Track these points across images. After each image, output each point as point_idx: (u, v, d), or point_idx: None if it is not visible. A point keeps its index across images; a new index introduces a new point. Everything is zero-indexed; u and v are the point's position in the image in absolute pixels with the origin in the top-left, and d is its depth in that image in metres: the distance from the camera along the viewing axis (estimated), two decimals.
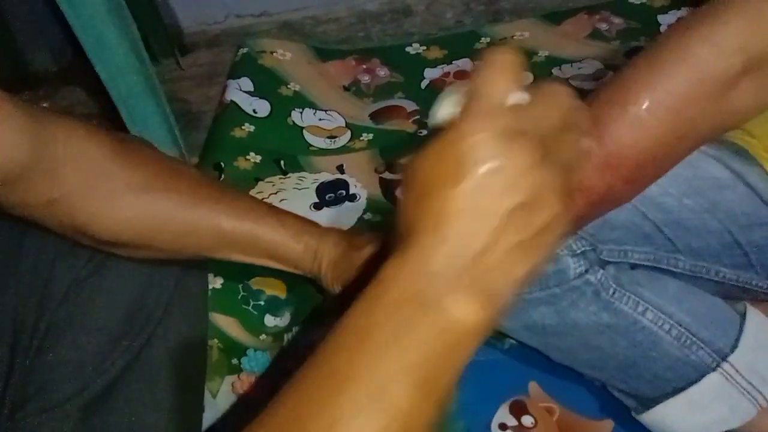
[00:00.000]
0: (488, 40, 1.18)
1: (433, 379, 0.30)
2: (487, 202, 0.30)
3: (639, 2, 1.21)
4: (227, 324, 0.78)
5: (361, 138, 1.01)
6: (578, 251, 0.58)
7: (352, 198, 0.92)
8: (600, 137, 0.45)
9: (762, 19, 0.41)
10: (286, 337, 0.78)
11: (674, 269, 0.62)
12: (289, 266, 0.58)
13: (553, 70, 1.10)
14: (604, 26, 1.18)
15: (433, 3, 1.30)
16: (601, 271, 0.60)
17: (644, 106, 0.43)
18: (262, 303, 0.80)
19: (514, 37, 1.17)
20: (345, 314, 0.32)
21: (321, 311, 0.77)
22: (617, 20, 1.19)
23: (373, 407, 0.29)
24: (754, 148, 0.61)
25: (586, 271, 0.59)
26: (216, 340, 0.75)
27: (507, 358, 0.72)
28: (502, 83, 0.32)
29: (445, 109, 0.34)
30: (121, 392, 0.58)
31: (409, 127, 1.03)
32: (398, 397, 0.29)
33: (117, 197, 0.50)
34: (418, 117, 1.04)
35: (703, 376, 0.59)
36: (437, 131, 0.33)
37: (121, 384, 0.58)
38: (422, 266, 0.31)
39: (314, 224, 0.59)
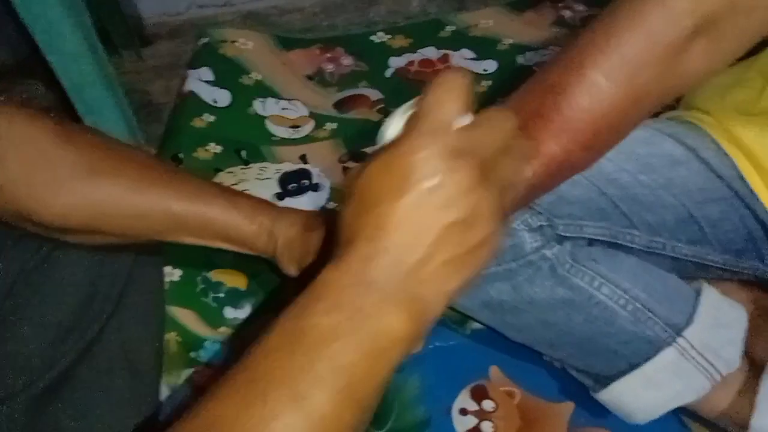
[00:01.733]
0: (453, 28, 1.17)
1: (358, 386, 0.31)
2: (425, 218, 0.32)
3: None
4: (186, 317, 0.76)
5: (324, 127, 1.00)
6: (535, 226, 0.58)
7: (316, 187, 0.91)
8: (558, 103, 0.45)
9: None
10: None
11: (631, 245, 0.62)
12: (244, 247, 0.57)
13: (518, 58, 1.10)
14: (568, 14, 1.19)
15: None
16: (558, 246, 0.59)
17: (600, 71, 0.43)
18: (222, 295, 0.79)
19: (479, 25, 1.17)
20: (279, 316, 0.32)
21: (278, 297, 0.76)
22: (581, 7, 1.19)
23: (296, 411, 0.29)
24: (707, 124, 0.62)
25: (543, 246, 0.59)
26: (174, 333, 0.74)
27: (468, 342, 0.72)
28: (450, 105, 0.33)
29: (395, 127, 0.36)
30: (72, 385, 0.57)
31: (373, 116, 1.02)
32: (321, 402, 0.30)
33: (62, 182, 0.49)
34: (382, 106, 1.04)
35: (658, 351, 0.59)
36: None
37: (72, 377, 0.57)
38: (359, 275, 0.32)
39: (269, 204, 0.58)
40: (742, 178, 0.59)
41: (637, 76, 0.43)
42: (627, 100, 0.44)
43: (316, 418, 0.29)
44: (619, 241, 0.62)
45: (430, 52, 1.13)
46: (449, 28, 1.17)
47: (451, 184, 0.32)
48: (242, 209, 0.54)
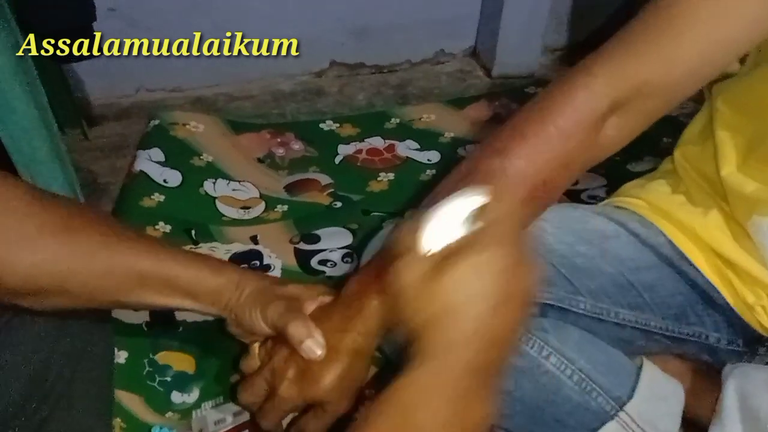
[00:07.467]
0: (398, 120, 1.24)
1: None
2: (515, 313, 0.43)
3: (533, 91, 1.33)
4: (131, 401, 0.72)
5: (275, 209, 1.01)
6: None
7: (267, 268, 0.91)
8: (503, 164, 0.53)
9: (622, 71, 0.53)
10: (195, 414, 0.74)
11: (576, 310, 0.66)
12: (207, 302, 0.57)
13: (459, 150, 1.17)
14: (502, 111, 1.28)
15: (345, 85, 1.36)
16: None
17: (540, 140, 0.53)
18: (168, 379, 0.76)
19: (422, 119, 1.24)
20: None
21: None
22: (514, 106, 1.29)
23: None
24: (633, 205, 0.70)
25: None
26: (119, 419, 0.70)
27: None
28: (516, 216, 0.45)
29: (456, 228, 0.43)
30: None
31: (323, 199, 1.05)
32: None
33: (32, 238, 0.49)
34: (332, 190, 1.07)
35: (602, 423, 0.61)
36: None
37: None
38: (466, 376, 0.41)
39: (235, 264, 0.60)
40: (670, 245, 0.66)
41: (567, 143, 0.53)
42: (560, 163, 0.53)
43: None
44: (564, 306, 0.65)
45: (377, 142, 1.18)
46: (394, 120, 1.23)
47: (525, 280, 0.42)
48: (209, 264, 0.57)
